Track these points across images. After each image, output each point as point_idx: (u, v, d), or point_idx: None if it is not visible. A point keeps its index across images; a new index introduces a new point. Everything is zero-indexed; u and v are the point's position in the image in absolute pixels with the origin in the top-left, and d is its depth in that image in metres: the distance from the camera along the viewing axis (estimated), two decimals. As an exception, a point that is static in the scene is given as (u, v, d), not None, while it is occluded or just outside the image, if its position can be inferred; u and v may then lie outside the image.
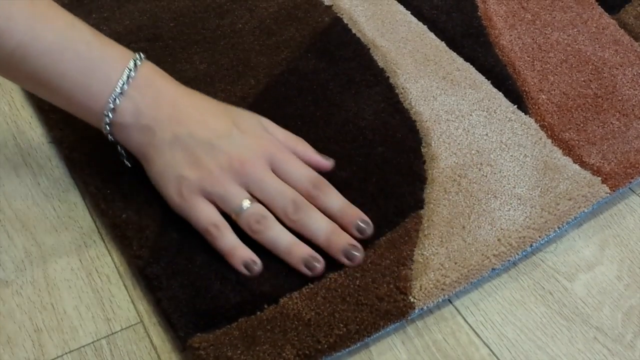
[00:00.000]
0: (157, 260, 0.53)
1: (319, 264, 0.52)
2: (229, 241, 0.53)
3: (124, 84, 0.53)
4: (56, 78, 0.52)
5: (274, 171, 0.55)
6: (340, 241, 0.53)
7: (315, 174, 0.56)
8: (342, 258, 0.53)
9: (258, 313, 0.50)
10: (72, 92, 0.53)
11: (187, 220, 0.54)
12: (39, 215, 0.57)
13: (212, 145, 0.53)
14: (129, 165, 0.57)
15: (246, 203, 0.53)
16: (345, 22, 0.72)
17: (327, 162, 0.57)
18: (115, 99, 0.53)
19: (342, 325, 0.49)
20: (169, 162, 0.53)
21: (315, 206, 0.54)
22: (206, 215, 0.53)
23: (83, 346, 0.50)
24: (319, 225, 0.53)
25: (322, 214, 0.54)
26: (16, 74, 0.53)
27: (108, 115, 0.53)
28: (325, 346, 0.49)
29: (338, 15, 0.73)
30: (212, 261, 0.53)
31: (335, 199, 0.55)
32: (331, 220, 0.54)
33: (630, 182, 0.60)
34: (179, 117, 0.54)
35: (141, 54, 0.55)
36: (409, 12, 0.73)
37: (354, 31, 0.71)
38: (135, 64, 0.53)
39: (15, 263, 0.54)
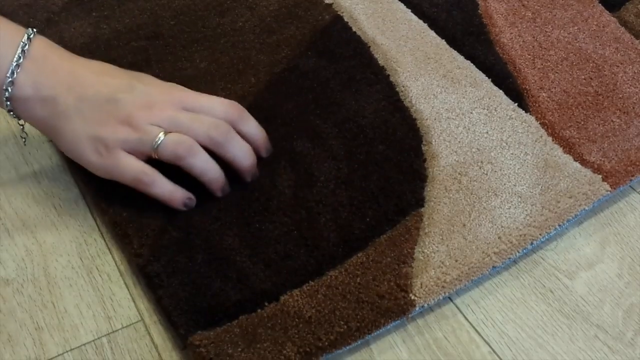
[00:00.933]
0: (157, 258, 0.53)
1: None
2: (165, 185, 0.54)
3: (19, 57, 0.53)
4: None
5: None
6: (255, 168, 0.57)
7: (228, 100, 0.57)
8: (249, 178, 0.57)
9: (259, 311, 0.50)
10: None
11: (114, 178, 0.54)
12: (40, 214, 0.57)
13: (117, 99, 0.54)
14: (24, 139, 0.58)
15: (161, 135, 0.53)
16: (346, 20, 0.72)
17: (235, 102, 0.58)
18: (12, 73, 0.53)
19: (342, 323, 0.49)
20: (78, 127, 0.53)
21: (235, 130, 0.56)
22: (132, 166, 0.53)
23: (84, 344, 0.50)
24: (244, 152, 0.56)
25: (242, 140, 0.56)
26: None
27: (7, 90, 0.53)
28: (326, 343, 0.49)
29: (338, 13, 0.73)
30: (213, 259, 0.53)
31: (252, 125, 0.58)
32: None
33: (631, 180, 0.60)
34: (78, 82, 0.54)
35: (33, 29, 0.55)
36: (410, 10, 0.73)
37: (354, 29, 0.71)
38: (28, 38, 0.54)
39: (16, 261, 0.54)
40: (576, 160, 0.60)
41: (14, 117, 0.55)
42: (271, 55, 0.69)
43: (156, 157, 0.53)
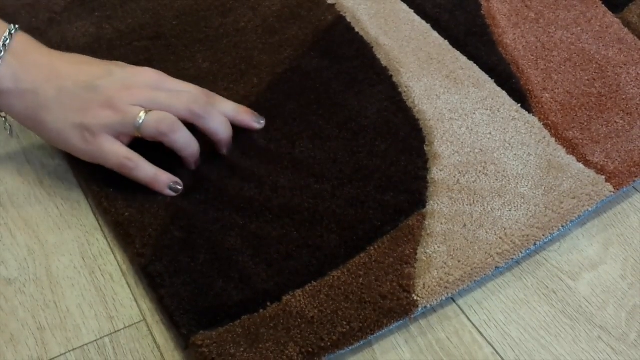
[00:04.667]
0: (159, 258, 0.53)
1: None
2: (148, 169, 0.55)
3: (0, 51, 0.54)
4: None
5: None
6: (231, 140, 0.59)
7: (201, 88, 0.59)
8: (225, 150, 0.59)
9: (261, 311, 0.50)
10: None
11: (99, 163, 0.55)
12: (42, 214, 0.57)
13: (96, 85, 0.55)
14: (10, 132, 0.58)
15: (142, 114, 0.54)
16: (348, 20, 0.72)
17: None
18: None
19: (345, 323, 0.49)
20: (61, 116, 0.55)
21: None
22: (116, 151, 0.55)
23: (86, 344, 0.50)
24: (223, 125, 0.58)
25: (221, 114, 0.58)
26: None
27: None
28: (329, 344, 0.48)
29: (341, 13, 0.73)
30: (215, 259, 0.53)
31: (227, 104, 0.59)
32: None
33: (634, 181, 0.59)
34: (57, 74, 0.55)
35: (16, 25, 0.55)
36: (412, 10, 0.73)
37: (356, 30, 0.71)
38: (10, 33, 0.54)
39: (18, 261, 0.54)
40: (579, 161, 0.60)
41: None
42: (273, 55, 0.68)
43: (140, 136, 0.55)
